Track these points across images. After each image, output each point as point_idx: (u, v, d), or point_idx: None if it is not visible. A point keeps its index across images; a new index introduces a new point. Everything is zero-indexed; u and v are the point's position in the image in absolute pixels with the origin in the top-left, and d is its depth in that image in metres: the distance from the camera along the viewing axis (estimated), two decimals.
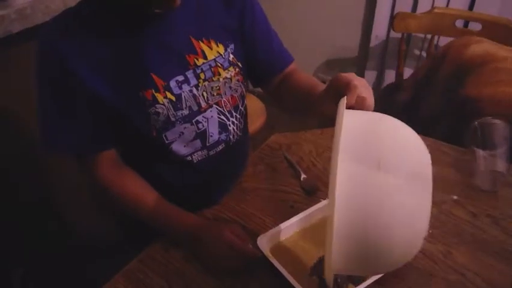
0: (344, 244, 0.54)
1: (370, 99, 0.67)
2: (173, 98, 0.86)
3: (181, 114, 0.88)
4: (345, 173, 0.52)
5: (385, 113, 0.62)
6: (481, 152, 0.98)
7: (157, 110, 0.85)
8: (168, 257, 0.88)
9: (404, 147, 0.57)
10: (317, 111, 0.79)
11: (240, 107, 1.00)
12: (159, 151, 0.91)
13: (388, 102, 1.72)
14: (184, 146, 0.92)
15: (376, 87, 2.34)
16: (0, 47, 1.21)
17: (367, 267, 0.60)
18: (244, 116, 1.04)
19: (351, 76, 0.69)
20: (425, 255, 0.86)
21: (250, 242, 0.84)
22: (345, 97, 0.65)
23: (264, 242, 0.84)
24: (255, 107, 1.79)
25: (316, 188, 1.02)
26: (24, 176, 1.41)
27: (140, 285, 0.83)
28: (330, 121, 0.73)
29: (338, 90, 0.69)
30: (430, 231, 0.90)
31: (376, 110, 0.67)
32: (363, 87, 0.67)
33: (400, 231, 0.55)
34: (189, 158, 0.94)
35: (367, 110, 0.66)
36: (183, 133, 0.90)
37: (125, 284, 0.83)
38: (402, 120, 0.61)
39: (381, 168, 0.53)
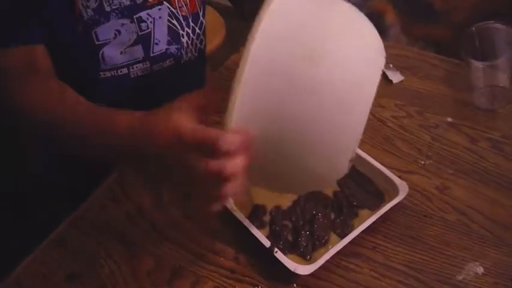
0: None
1: None
2: None
3: (120, 4, 0.68)
4: (260, 54, 0.42)
5: None
6: (478, 64, 0.85)
7: None
8: (104, 216, 0.71)
9: (355, 45, 0.46)
10: None
11: (201, 17, 0.80)
12: (86, 58, 0.71)
13: None
14: (121, 54, 0.72)
15: None
16: None
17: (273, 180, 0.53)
18: (204, 32, 0.84)
19: None
20: (418, 192, 0.73)
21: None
22: None
23: None
24: (212, 21, 1.56)
25: None
26: None
27: (68, 254, 0.67)
28: None
29: None
30: (423, 162, 0.77)
31: None
32: None
33: (320, 144, 0.46)
34: (124, 70, 0.73)
35: None
36: (119, 32, 0.70)
37: (55, 253, 0.67)
38: None
39: (313, 60, 0.42)
